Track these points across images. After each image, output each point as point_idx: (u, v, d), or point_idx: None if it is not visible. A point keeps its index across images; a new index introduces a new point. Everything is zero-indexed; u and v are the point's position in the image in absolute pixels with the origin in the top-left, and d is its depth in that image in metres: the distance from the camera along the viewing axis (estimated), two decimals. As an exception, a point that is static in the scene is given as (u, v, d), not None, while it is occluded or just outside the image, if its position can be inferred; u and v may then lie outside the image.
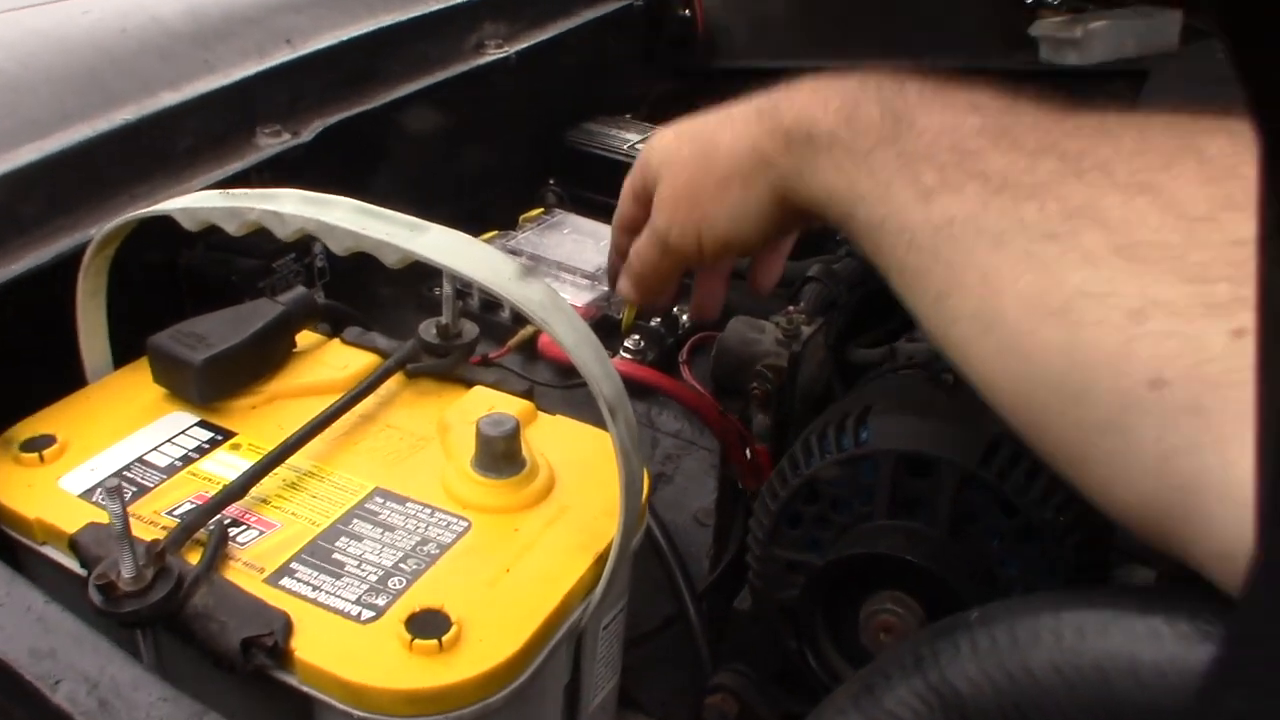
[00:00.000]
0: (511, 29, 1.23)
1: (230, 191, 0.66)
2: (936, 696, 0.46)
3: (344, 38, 1.01)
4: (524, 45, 1.21)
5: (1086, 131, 0.49)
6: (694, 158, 0.69)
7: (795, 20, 1.66)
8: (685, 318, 1.08)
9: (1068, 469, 0.47)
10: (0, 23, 0.86)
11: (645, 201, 0.75)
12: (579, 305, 0.99)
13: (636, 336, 1.02)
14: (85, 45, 0.86)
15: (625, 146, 1.30)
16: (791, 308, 1.01)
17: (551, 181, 1.29)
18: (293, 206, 0.62)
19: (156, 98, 0.85)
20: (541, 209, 1.18)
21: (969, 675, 0.45)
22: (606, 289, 1.03)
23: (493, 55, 1.16)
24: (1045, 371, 0.46)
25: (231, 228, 0.65)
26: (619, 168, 1.29)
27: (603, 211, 1.22)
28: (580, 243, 1.09)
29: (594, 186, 1.29)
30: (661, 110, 1.53)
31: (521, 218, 1.15)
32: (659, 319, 1.05)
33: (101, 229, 0.70)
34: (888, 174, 0.54)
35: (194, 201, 0.66)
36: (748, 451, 0.95)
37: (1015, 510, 0.66)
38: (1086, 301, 0.44)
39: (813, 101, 0.60)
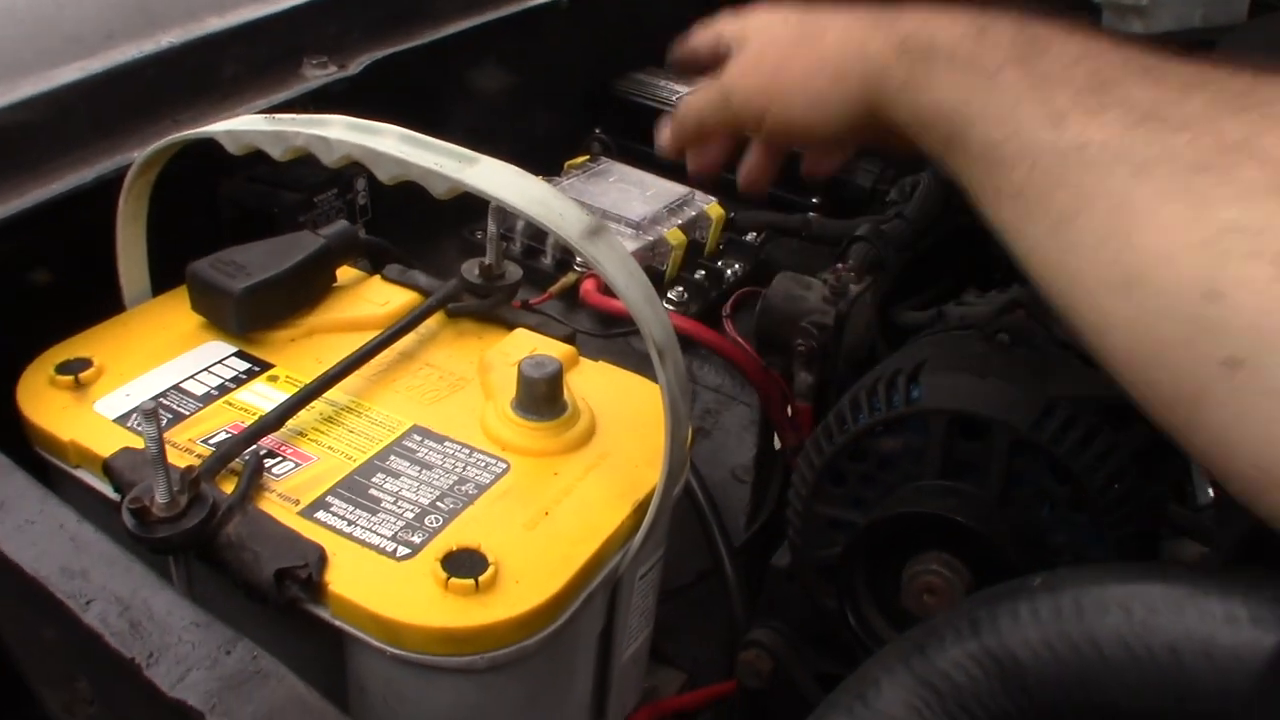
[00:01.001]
0: (565, -28, 1.21)
1: (276, 116, 0.65)
2: (994, 662, 0.44)
3: (396, -29, 0.98)
4: (576, -10, 1.18)
5: (1242, 74, 0.46)
6: (792, 34, 0.66)
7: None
8: (729, 272, 1.06)
9: (1178, 415, 0.45)
10: (47, -61, 0.84)
11: (715, 55, 0.72)
12: (623, 253, 0.96)
13: (680, 288, 1.00)
14: (132, -35, 0.84)
15: (674, 98, 1.28)
16: (840, 265, 0.99)
17: (598, 130, 1.27)
18: (340, 132, 0.60)
19: (202, 22, 0.84)
20: (587, 156, 1.15)
21: (1030, 642, 0.44)
22: (652, 238, 1.01)
23: (545, -2, 1.14)
24: (1176, 304, 0.43)
25: (276, 152, 0.63)
26: (662, 118, 1.27)
27: (649, 162, 1.20)
28: (626, 191, 1.07)
29: (641, 137, 1.27)
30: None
31: (567, 164, 1.13)
32: (703, 271, 1.04)
33: (144, 151, 0.69)
34: (1015, 93, 0.51)
35: (239, 124, 0.65)
36: (789, 409, 0.93)
37: (1068, 476, 0.64)
38: (1237, 237, 0.41)
39: (939, 17, 0.57)
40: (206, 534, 0.55)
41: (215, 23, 0.84)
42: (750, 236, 1.12)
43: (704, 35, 0.76)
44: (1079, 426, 0.64)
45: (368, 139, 0.60)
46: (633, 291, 0.55)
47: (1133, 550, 0.65)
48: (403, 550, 0.56)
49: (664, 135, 0.78)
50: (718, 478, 0.94)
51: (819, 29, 0.64)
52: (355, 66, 0.91)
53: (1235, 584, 0.41)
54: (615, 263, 0.55)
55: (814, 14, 0.67)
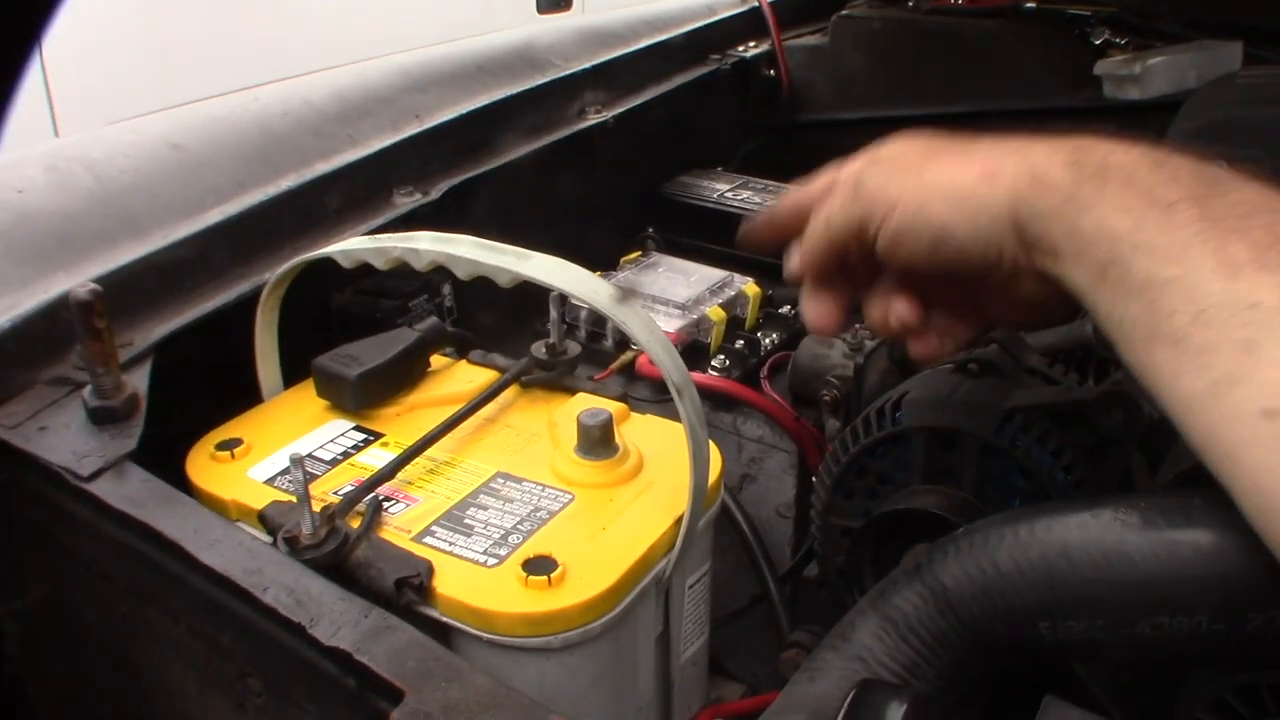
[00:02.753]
0: (610, 95, 1.40)
1: (377, 236, 0.83)
2: (930, 592, 0.59)
3: (463, 111, 1.18)
4: (621, 110, 1.37)
5: None
6: (938, 144, 0.62)
7: (873, 73, 1.79)
8: (767, 341, 1.21)
9: None
10: (188, 112, 1.05)
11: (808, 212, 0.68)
12: (670, 331, 1.13)
13: (723, 356, 1.16)
14: (254, 127, 1.05)
15: (715, 195, 1.46)
16: (858, 326, 1.14)
17: (650, 229, 1.44)
18: (426, 244, 0.78)
19: (312, 167, 1.03)
20: (639, 252, 1.33)
21: (952, 573, 0.58)
22: (695, 317, 1.17)
23: (593, 120, 1.33)
24: None
25: (379, 263, 0.81)
26: (709, 214, 1.45)
27: (694, 253, 1.37)
28: (673, 279, 1.24)
29: (687, 232, 1.45)
30: (751, 162, 1.69)
31: (622, 259, 1.30)
32: (742, 341, 1.19)
33: (275, 272, 0.88)
34: (1189, 232, 0.49)
35: (349, 245, 0.83)
36: (822, 452, 1.08)
37: (1029, 472, 0.78)
38: None
39: (1111, 138, 0.56)
40: (341, 556, 0.72)
41: (322, 166, 1.04)
42: (786, 310, 1.27)
43: (791, 199, 0.72)
44: (1034, 430, 0.78)
45: (448, 247, 0.77)
46: (654, 345, 0.71)
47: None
48: (492, 560, 0.73)
49: (790, 259, 0.73)
50: (763, 515, 1.08)
51: (969, 142, 0.60)
52: (436, 193, 1.10)
53: (1085, 500, 0.56)
54: (637, 322, 0.71)
55: (949, 137, 0.63)
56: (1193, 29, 1.67)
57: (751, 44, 1.73)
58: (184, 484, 0.83)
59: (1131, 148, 0.54)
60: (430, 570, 0.72)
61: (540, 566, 0.71)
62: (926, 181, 0.60)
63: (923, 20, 1.78)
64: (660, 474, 0.83)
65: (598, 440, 0.81)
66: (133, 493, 0.70)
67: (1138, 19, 1.71)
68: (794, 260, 0.71)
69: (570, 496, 0.79)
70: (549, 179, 1.29)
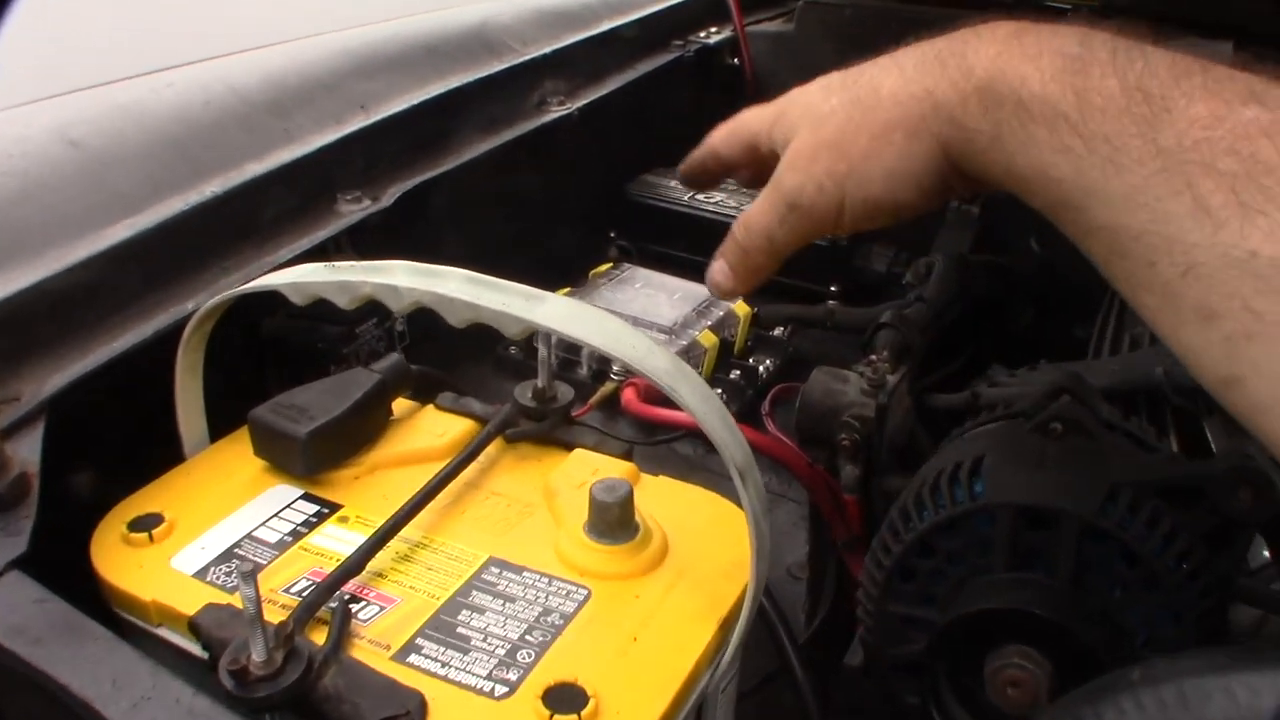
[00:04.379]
0: (571, 84, 1.24)
1: (337, 265, 0.66)
2: (1112, 766, 0.45)
3: (415, 102, 1.01)
4: (585, 101, 1.21)
5: None
6: (845, 105, 0.57)
7: (841, 63, 1.65)
8: (762, 369, 1.07)
9: None
10: (88, 98, 0.87)
11: (753, 152, 0.65)
12: (659, 360, 0.98)
13: (719, 390, 1.02)
14: (170, 119, 0.87)
15: (686, 197, 1.31)
16: (874, 356, 1.01)
17: (613, 234, 1.29)
18: (406, 280, 0.62)
19: (241, 169, 0.86)
20: (610, 263, 1.18)
21: (1147, 743, 0.44)
22: (684, 343, 1.02)
23: (556, 113, 1.17)
24: None
25: (342, 302, 0.65)
26: (679, 218, 1.30)
27: (666, 262, 1.22)
28: (653, 297, 1.09)
29: (656, 238, 1.30)
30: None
31: (592, 273, 1.15)
32: (738, 371, 1.05)
33: (202, 305, 0.71)
34: (1145, 174, 0.44)
35: (302, 276, 0.66)
36: (838, 503, 0.94)
37: (1137, 559, 0.65)
38: None
39: (1016, 55, 0.50)
40: (305, 689, 0.56)
41: (254, 168, 0.86)
42: (778, 331, 1.13)
43: (731, 138, 0.69)
44: (1144, 510, 0.65)
45: (434, 284, 0.61)
46: (712, 419, 0.56)
47: (1207, 627, 0.66)
48: (500, 689, 0.57)
49: (718, 270, 0.68)
50: (773, 576, 0.94)
51: (872, 87, 0.57)
52: (387, 198, 0.94)
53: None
54: (696, 394, 0.56)
55: (859, 70, 0.59)
56: (1179, 27, 1.57)
57: (714, 29, 1.58)
58: (92, 574, 0.66)
59: (1039, 58, 0.49)
60: (422, 706, 0.56)
61: (566, 700, 0.55)
62: (855, 165, 0.57)
63: (895, 8, 1.65)
64: (690, 557, 0.68)
65: (616, 520, 0.66)
66: (24, 620, 0.53)
67: (1119, 16, 1.61)
68: (729, 277, 0.68)
69: (586, 592, 0.64)
70: (508, 179, 1.13)
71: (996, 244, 1.49)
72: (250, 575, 0.53)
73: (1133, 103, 0.46)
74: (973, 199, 1.51)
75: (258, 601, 0.54)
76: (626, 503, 0.65)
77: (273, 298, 0.69)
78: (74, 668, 0.50)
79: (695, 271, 1.20)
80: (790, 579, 0.95)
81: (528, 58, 1.18)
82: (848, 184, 0.58)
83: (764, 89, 1.64)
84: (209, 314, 0.71)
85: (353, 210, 0.91)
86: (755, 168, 0.67)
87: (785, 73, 1.66)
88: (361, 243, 0.91)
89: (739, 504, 0.59)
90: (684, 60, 1.49)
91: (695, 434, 0.96)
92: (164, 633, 0.64)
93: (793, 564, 0.95)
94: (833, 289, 1.24)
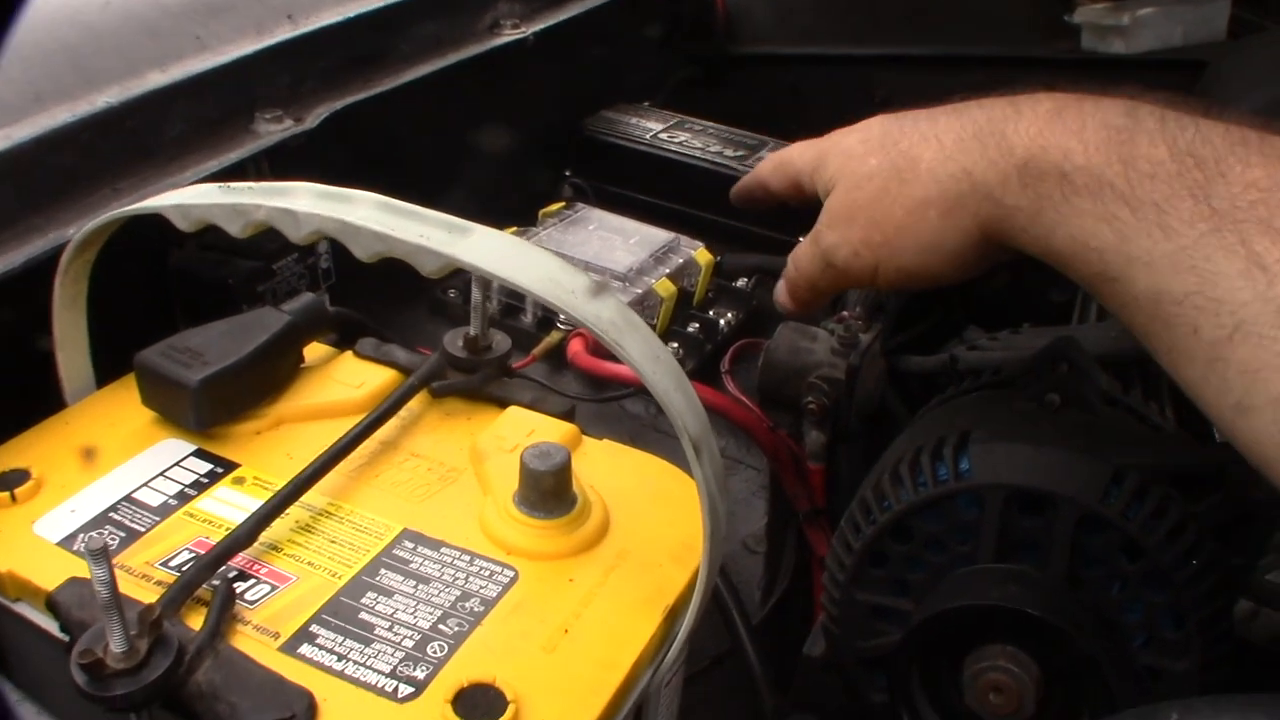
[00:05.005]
0: (528, 8, 1.14)
1: (232, 186, 0.57)
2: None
3: (350, 14, 0.91)
4: (542, 26, 1.11)
5: None
6: (883, 171, 0.58)
7: (819, 4, 1.57)
8: (723, 322, 0.99)
9: None
10: (-35, -6, 0.76)
11: (798, 190, 0.67)
12: (611, 310, 0.89)
13: (675, 344, 0.94)
14: (63, 20, 0.76)
15: (648, 136, 1.21)
16: (845, 313, 0.93)
17: (569, 173, 1.20)
18: (308, 204, 0.53)
19: (142, 79, 0.76)
20: (563, 203, 1.08)
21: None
22: (639, 291, 0.94)
23: (509, 36, 1.07)
24: None
25: (235, 228, 0.55)
26: (641, 158, 1.21)
27: (624, 205, 1.13)
28: (608, 240, 1.00)
29: (615, 178, 1.21)
30: (680, 96, 1.44)
31: (542, 212, 1.06)
32: (697, 324, 0.96)
33: (81, 229, 0.61)
34: (1195, 235, 0.44)
35: (190, 197, 0.57)
36: (801, 472, 0.87)
37: (1141, 552, 0.57)
38: None
39: (1058, 130, 0.50)
40: (173, 684, 0.47)
41: (157, 78, 0.76)
42: (741, 282, 1.05)
43: (778, 173, 0.70)
44: (1151, 498, 0.57)
45: (341, 210, 0.52)
46: (662, 381, 0.47)
47: (1212, 631, 0.58)
48: (405, 689, 0.48)
49: (780, 295, 0.72)
50: (728, 550, 0.86)
51: (910, 157, 0.57)
52: (312, 119, 0.84)
53: None
54: (644, 349, 0.47)
55: (899, 131, 0.59)
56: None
57: (687, -41, 1.48)
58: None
59: (1084, 131, 0.48)
60: (311, 707, 0.47)
61: (481, 706, 0.47)
62: (889, 236, 0.58)
63: (872, -53, 1.57)
64: (633, 536, 0.59)
65: (550, 491, 0.57)
66: None
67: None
68: (787, 300, 0.72)
69: (513, 573, 0.56)
70: (453, 106, 1.03)
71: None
72: (100, 553, 0.44)
73: (1184, 168, 0.45)
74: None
75: (112, 584, 0.45)
76: (562, 471, 0.57)
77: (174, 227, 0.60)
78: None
79: (655, 214, 1.12)
80: (746, 552, 0.87)
81: (480, -26, 1.08)
82: (882, 253, 0.59)
83: (735, 27, 1.55)
84: (89, 239, 0.61)
85: (272, 131, 0.81)
86: (802, 201, 0.69)
87: (760, 10, 1.58)
88: (284, 169, 0.82)
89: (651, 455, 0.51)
90: (653, -8, 1.39)
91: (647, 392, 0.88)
92: (22, 609, 0.55)
93: (749, 536, 0.87)
94: (800, 239, 1.15)
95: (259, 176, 0.80)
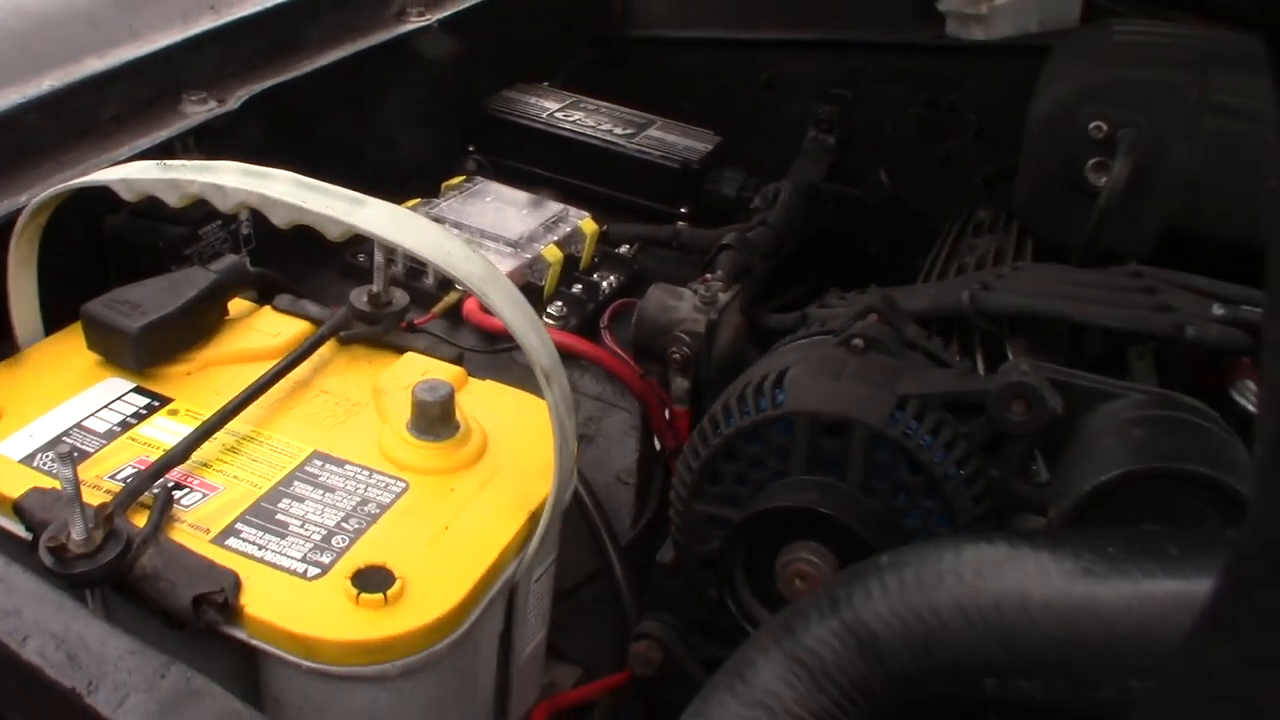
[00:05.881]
0: (432, -4, 1.24)
1: (169, 163, 0.67)
2: (851, 634, 0.50)
3: (268, 5, 1.01)
4: (446, 14, 1.21)
5: None
6: None
7: (708, -7, 1.68)
8: (605, 285, 1.11)
9: None
10: (-79, -14, 0.85)
11: None
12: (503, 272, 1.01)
13: (559, 303, 1.05)
14: (8, 10, 0.86)
15: (545, 115, 1.33)
16: (709, 275, 1.05)
17: (472, 149, 1.30)
18: (234, 179, 0.64)
19: (82, 65, 0.86)
20: (463, 177, 1.19)
21: (881, 615, 0.50)
22: (529, 256, 1.05)
23: (415, 23, 1.17)
24: None
25: (172, 200, 0.66)
26: (538, 135, 1.32)
27: (522, 179, 1.25)
28: (502, 210, 1.12)
29: (514, 154, 1.32)
30: (578, 77, 1.55)
31: (444, 185, 1.17)
32: (580, 285, 1.08)
33: (35, 198, 0.71)
34: None
35: (132, 172, 0.67)
36: (667, 413, 0.99)
37: (919, 465, 0.71)
38: None
39: None
40: (123, 567, 0.58)
41: (95, 64, 0.86)
42: (624, 249, 1.17)
43: None
44: (927, 420, 0.71)
45: (261, 185, 0.63)
46: (519, 322, 0.59)
47: (981, 529, 0.72)
48: (313, 570, 0.60)
49: None
50: (602, 482, 0.99)
51: None
52: (234, 101, 0.94)
53: (1044, 542, 0.48)
54: (503, 297, 0.59)
55: None
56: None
57: (585, -51, 1.58)
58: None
59: None
60: (236, 584, 0.59)
61: (373, 580, 0.59)
62: None
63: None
64: (507, 456, 0.72)
65: (436, 418, 0.69)
66: None
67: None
68: None
69: (404, 485, 0.68)
70: (363, 88, 1.14)
71: (849, 176, 1.55)
72: (67, 457, 0.55)
73: None
74: (829, 130, 1.56)
75: (75, 482, 0.56)
76: (447, 401, 0.69)
77: (116, 196, 0.70)
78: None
79: (551, 188, 1.23)
80: (619, 484, 1.00)
81: (387, -34, 1.18)
82: None
83: (631, 12, 1.67)
84: (40, 207, 0.72)
85: (197, 112, 0.91)
86: None
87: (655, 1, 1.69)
88: (209, 146, 0.92)
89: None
90: (553, -21, 1.49)
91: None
92: (-10, 518, 0.66)
93: (621, 470, 0.99)
94: (683, 211, 1.27)
95: (186, 153, 0.90)
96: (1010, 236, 1.15)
